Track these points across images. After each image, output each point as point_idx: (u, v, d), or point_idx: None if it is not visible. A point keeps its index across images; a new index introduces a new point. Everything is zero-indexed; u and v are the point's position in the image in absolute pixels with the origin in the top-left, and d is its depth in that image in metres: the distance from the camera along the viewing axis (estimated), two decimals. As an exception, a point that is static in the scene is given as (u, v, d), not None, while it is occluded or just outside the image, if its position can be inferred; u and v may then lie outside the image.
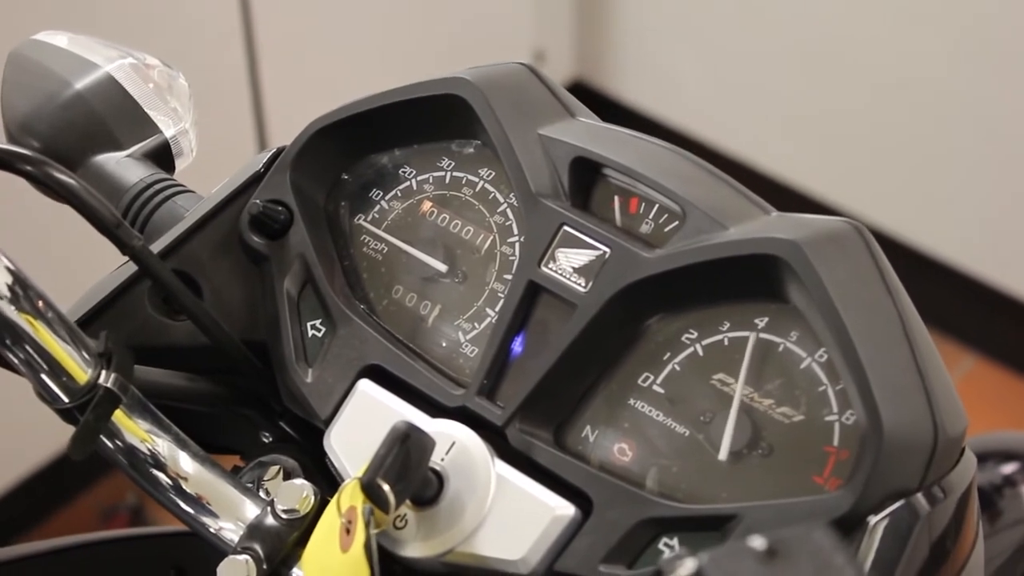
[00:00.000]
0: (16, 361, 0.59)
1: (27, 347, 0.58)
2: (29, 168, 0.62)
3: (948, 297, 2.24)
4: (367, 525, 0.55)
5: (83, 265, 0.93)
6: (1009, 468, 1.02)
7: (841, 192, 2.30)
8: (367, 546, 0.54)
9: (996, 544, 0.99)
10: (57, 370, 0.59)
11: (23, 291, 0.58)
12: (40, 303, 0.59)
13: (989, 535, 1.00)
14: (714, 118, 2.44)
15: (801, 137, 2.36)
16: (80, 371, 0.59)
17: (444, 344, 0.64)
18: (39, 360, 0.58)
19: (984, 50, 2.07)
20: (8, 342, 0.58)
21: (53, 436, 1.94)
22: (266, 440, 0.69)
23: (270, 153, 0.68)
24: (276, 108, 1.97)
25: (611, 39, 2.53)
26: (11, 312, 0.58)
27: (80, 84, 0.73)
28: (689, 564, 0.42)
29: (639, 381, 0.60)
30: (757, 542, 0.41)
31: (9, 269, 0.58)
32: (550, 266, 0.61)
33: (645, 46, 2.51)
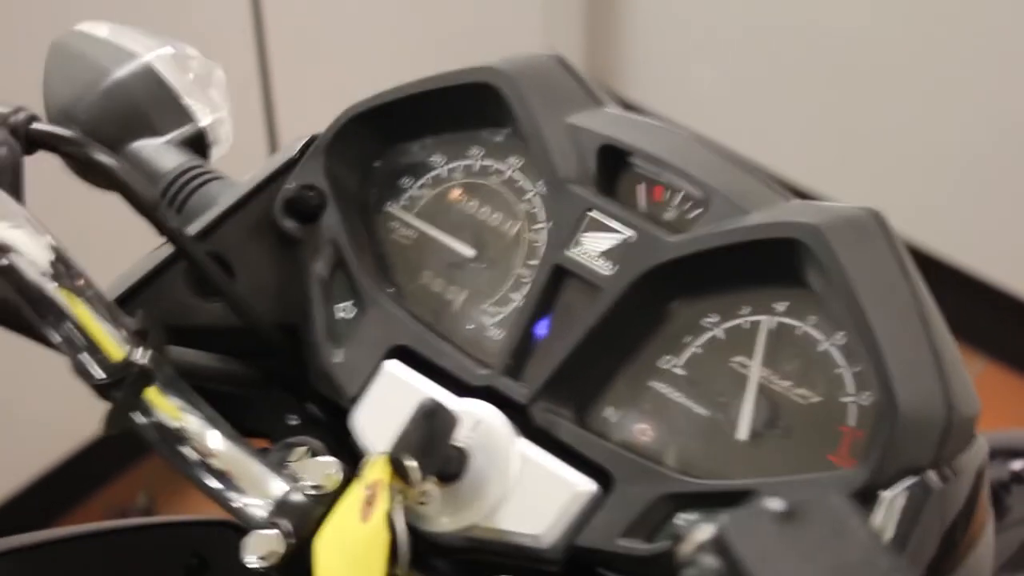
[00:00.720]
0: (56, 337, 0.60)
1: (67, 324, 0.60)
2: (73, 149, 0.64)
3: (959, 300, 2.23)
4: (391, 497, 0.56)
5: (112, 252, 0.94)
6: (1018, 465, 1.03)
7: (852, 194, 2.31)
8: (389, 515, 0.56)
9: (1004, 540, 1.00)
10: (94, 347, 0.60)
11: (65, 269, 0.60)
12: (81, 281, 0.60)
13: (997, 531, 1.01)
14: (725, 120, 2.45)
15: (814, 140, 2.37)
16: (116, 349, 0.60)
17: (470, 327, 0.66)
18: (78, 336, 0.60)
19: (996, 53, 2.08)
20: (49, 319, 0.60)
21: (63, 438, 1.96)
22: (293, 423, 0.70)
23: (305, 140, 0.70)
24: (286, 107, 1.99)
25: (622, 42, 2.55)
26: (52, 289, 0.59)
27: (120, 73, 0.75)
28: (708, 528, 0.44)
29: (660, 363, 0.61)
30: (775, 504, 0.42)
31: (53, 247, 0.60)
32: (576, 250, 0.63)
33: (656, 49, 2.52)
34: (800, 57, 2.30)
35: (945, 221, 2.26)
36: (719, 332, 0.61)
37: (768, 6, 2.31)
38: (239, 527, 0.61)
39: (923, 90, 2.19)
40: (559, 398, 0.62)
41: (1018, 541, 1.00)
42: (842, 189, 2.32)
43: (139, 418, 0.62)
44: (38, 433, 1.92)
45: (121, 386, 0.60)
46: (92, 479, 2.08)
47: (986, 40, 2.09)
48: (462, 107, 0.68)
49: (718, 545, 0.43)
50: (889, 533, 0.54)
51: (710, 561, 0.43)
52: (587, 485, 0.59)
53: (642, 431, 0.61)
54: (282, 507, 0.60)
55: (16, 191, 0.62)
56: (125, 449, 2.02)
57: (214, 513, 0.67)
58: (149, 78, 0.75)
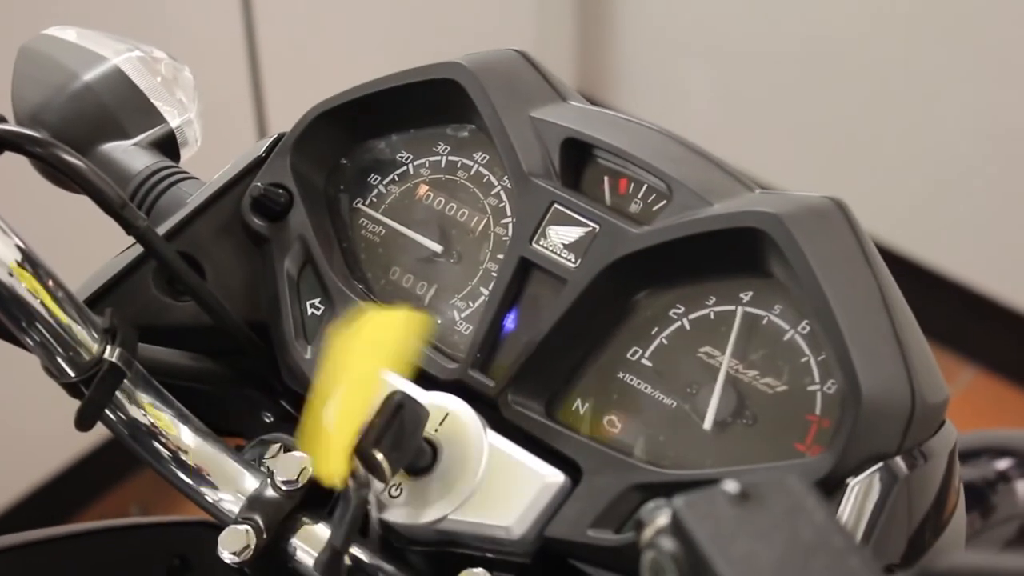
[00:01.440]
0: (26, 337, 0.61)
1: (37, 324, 0.60)
2: (39, 150, 0.64)
3: (947, 310, 2.24)
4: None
5: (81, 253, 0.94)
6: (1003, 464, 1.03)
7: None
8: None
9: (989, 538, 1.00)
10: (65, 346, 0.61)
11: (33, 269, 0.60)
12: (50, 282, 0.60)
13: (983, 529, 1.01)
14: (716, 133, 2.45)
15: (805, 151, 2.37)
16: (87, 347, 0.61)
17: (440, 322, 0.66)
18: (48, 336, 0.60)
19: (989, 59, 2.09)
20: (19, 319, 0.60)
21: (57, 451, 1.96)
22: (267, 420, 0.71)
23: (272, 139, 0.70)
24: (278, 112, 1.99)
25: (612, 55, 2.55)
26: (21, 289, 0.60)
27: (89, 76, 0.75)
28: (666, 513, 0.44)
29: (628, 355, 0.61)
30: (731, 486, 0.43)
31: (20, 248, 0.60)
32: (541, 243, 0.63)
33: (647, 62, 2.53)
34: (795, 71, 2.30)
35: (935, 231, 2.26)
36: (685, 323, 0.61)
37: (761, 15, 2.32)
38: (220, 527, 0.61)
39: (914, 98, 2.19)
40: (527, 391, 0.62)
41: (1003, 539, 1.00)
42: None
43: (110, 415, 0.62)
44: (32, 446, 1.93)
45: (91, 384, 0.61)
46: (85, 492, 2.08)
47: (978, 45, 2.09)
48: (427, 104, 0.68)
49: (675, 528, 0.43)
50: (857, 519, 0.54)
51: (668, 544, 0.43)
52: (556, 477, 0.59)
53: (611, 423, 0.61)
54: (254, 502, 0.60)
55: (-17, 192, 0.63)
56: (118, 463, 2.02)
57: (196, 514, 0.67)
58: (117, 81, 0.76)
